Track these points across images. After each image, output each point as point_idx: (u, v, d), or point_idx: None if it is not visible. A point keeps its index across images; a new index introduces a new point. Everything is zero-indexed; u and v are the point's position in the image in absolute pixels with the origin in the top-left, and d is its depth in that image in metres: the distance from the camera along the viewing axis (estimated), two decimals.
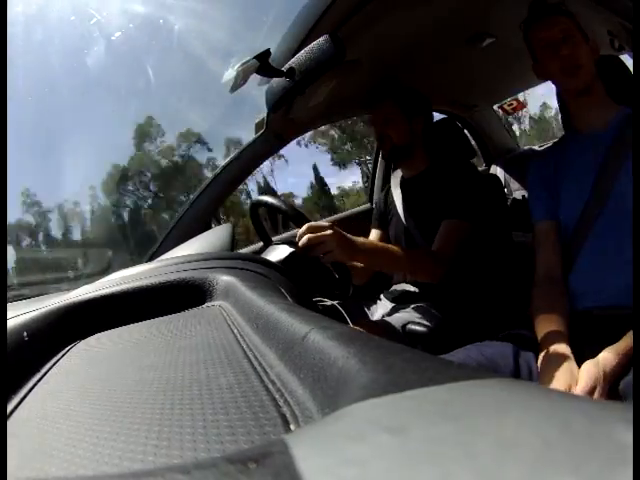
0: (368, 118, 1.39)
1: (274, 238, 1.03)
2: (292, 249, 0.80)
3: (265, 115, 1.20)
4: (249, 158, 1.27)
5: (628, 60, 1.00)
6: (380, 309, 1.21)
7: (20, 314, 0.42)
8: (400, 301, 1.17)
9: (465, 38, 1.26)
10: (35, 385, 0.32)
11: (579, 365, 0.66)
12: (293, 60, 0.71)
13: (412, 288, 1.18)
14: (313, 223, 0.81)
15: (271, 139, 1.25)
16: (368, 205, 1.83)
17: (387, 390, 0.13)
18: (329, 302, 0.83)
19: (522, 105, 2.06)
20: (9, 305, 0.60)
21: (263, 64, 0.71)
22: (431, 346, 1.01)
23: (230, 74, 0.73)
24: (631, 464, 0.08)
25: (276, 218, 0.94)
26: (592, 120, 0.84)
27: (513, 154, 1.96)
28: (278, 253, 0.80)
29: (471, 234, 1.05)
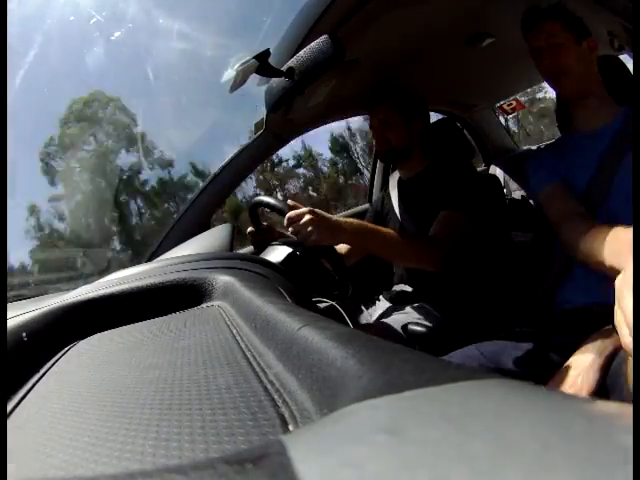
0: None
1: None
2: (291, 249, 0.80)
3: (264, 115, 1.20)
4: (248, 158, 1.26)
5: (628, 60, 1.00)
6: (379, 309, 1.21)
7: (20, 314, 0.42)
8: (399, 301, 1.17)
9: (465, 38, 1.26)
10: (35, 385, 0.32)
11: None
12: (292, 60, 0.71)
13: (411, 288, 1.18)
14: (291, 212, 0.80)
15: (270, 139, 1.25)
16: (367, 205, 1.83)
17: (385, 391, 0.13)
18: (329, 302, 0.83)
19: (522, 105, 2.06)
20: (9, 305, 0.60)
21: (262, 64, 0.71)
22: (430, 346, 1.01)
23: (229, 74, 0.73)
24: (631, 466, 0.08)
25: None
26: (591, 120, 0.84)
27: (512, 154, 1.96)
28: (277, 253, 0.80)
29: (467, 227, 1.03)
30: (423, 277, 1.13)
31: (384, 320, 1.10)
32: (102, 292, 0.49)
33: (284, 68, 0.72)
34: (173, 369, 0.28)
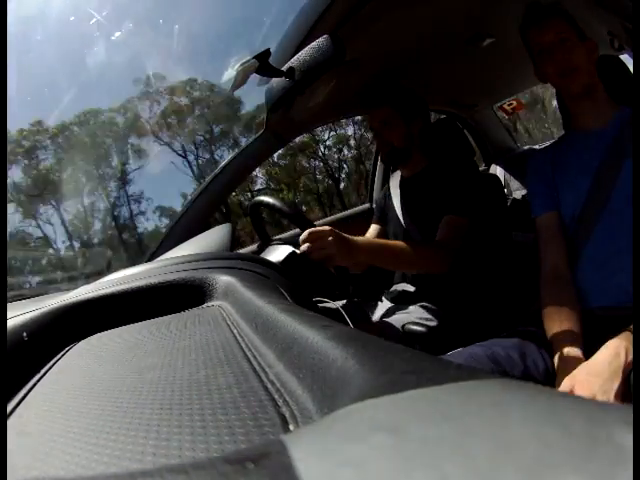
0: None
1: (274, 238, 1.03)
2: (291, 249, 0.80)
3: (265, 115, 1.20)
4: (248, 158, 1.27)
5: (628, 60, 1.00)
6: (380, 309, 1.21)
7: (20, 314, 0.42)
8: (400, 301, 1.17)
9: (465, 38, 1.26)
10: (35, 385, 0.32)
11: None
12: (293, 60, 0.71)
13: (412, 288, 1.18)
14: (313, 230, 0.79)
15: (270, 139, 1.25)
16: (368, 205, 1.83)
17: (386, 391, 0.13)
18: (331, 303, 0.83)
19: (522, 105, 2.06)
20: (9, 305, 0.60)
21: (263, 64, 0.71)
22: (430, 346, 1.01)
23: (230, 74, 0.73)
24: (631, 466, 0.08)
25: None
26: (592, 120, 0.84)
27: (513, 153, 1.96)
28: (278, 253, 0.80)
29: (469, 231, 1.04)
30: (425, 277, 1.14)
31: (385, 320, 1.10)
32: (102, 292, 0.49)
33: (284, 68, 0.72)
34: (174, 369, 0.28)
